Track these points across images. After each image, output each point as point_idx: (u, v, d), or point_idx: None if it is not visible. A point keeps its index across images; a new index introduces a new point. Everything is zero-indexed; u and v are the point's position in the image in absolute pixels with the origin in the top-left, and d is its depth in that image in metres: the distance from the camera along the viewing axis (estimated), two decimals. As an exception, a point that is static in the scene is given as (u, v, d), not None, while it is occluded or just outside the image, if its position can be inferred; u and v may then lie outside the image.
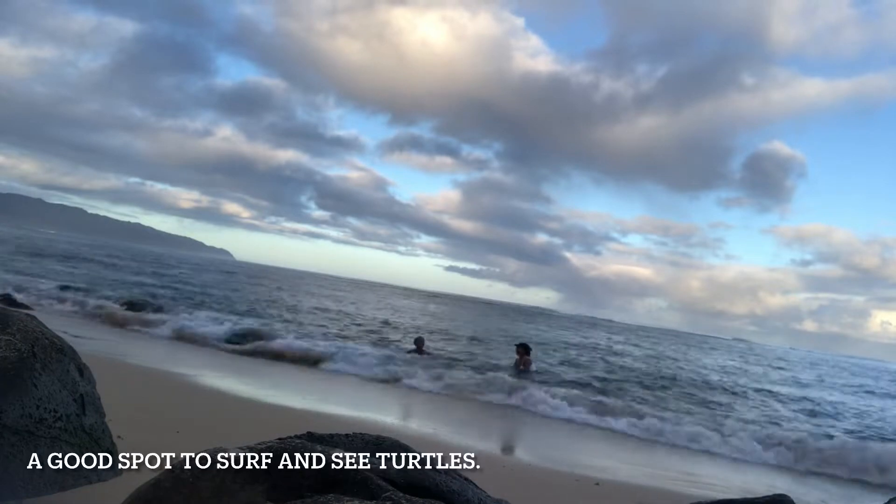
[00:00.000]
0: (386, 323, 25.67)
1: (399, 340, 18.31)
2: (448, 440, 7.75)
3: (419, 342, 15.63)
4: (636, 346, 34.42)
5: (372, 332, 20.78)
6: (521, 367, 14.24)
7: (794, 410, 15.33)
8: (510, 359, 15.27)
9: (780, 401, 16.97)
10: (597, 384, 14.32)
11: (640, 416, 10.78)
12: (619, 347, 31.52)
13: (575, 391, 12.18)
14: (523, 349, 14.74)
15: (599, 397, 12.06)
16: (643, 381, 16.64)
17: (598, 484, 6.95)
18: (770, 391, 18.91)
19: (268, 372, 11.12)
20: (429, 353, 15.27)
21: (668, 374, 19.93)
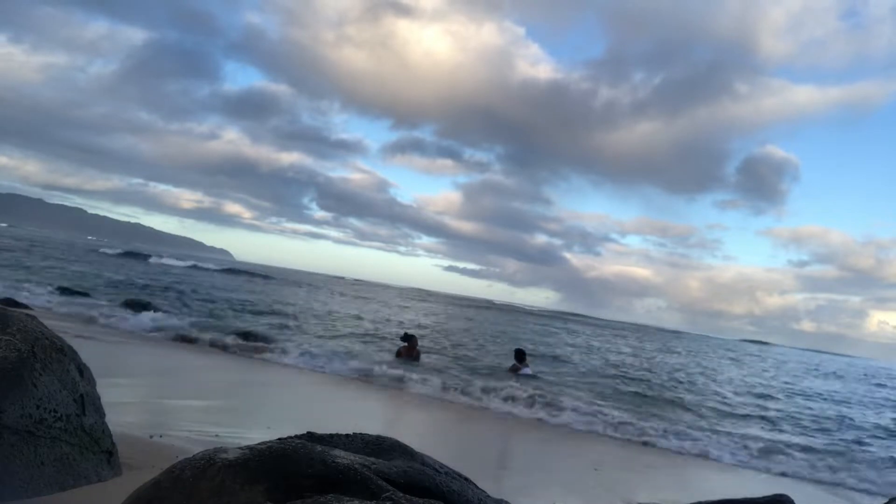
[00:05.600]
0: (367, 320, 25.61)
1: (387, 337, 17.85)
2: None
3: (410, 339, 14.51)
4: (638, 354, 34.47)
5: (355, 331, 20.42)
6: (512, 370, 14.21)
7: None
8: (506, 363, 15.28)
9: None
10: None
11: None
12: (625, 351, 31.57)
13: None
14: (517, 354, 14.75)
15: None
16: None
17: (597, 469, 7.30)
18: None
19: (265, 371, 11.11)
20: (417, 353, 14.40)
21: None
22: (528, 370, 14.36)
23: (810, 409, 16.22)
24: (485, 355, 18.00)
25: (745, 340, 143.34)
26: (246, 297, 28.26)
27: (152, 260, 55.09)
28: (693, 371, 23.57)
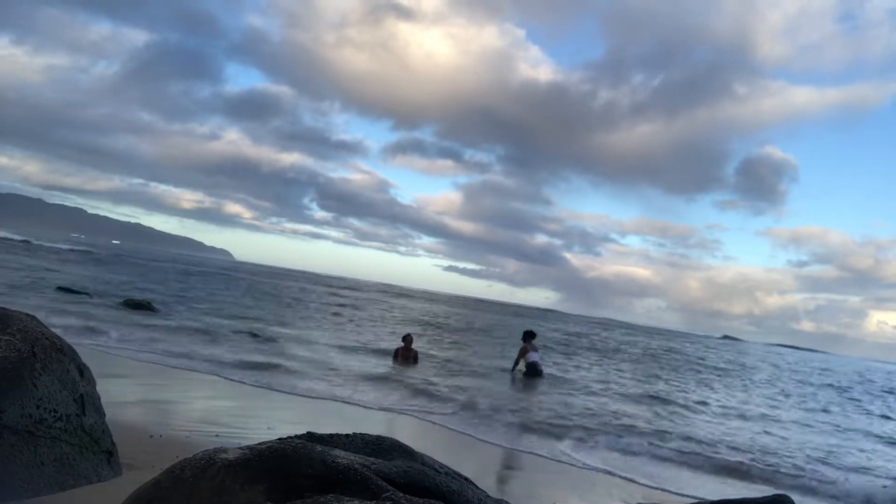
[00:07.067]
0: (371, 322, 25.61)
1: (381, 340, 17.72)
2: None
3: (407, 339, 14.45)
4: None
5: (353, 332, 20.47)
6: (521, 353, 13.88)
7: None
8: (504, 363, 15.09)
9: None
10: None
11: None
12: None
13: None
14: (526, 335, 14.20)
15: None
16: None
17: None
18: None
19: (265, 372, 11.10)
20: (415, 354, 14.29)
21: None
22: (535, 356, 14.07)
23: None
24: (483, 356, 17.99)
25: (721, 337, 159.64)
26: (232, 297, 28.28)
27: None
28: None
